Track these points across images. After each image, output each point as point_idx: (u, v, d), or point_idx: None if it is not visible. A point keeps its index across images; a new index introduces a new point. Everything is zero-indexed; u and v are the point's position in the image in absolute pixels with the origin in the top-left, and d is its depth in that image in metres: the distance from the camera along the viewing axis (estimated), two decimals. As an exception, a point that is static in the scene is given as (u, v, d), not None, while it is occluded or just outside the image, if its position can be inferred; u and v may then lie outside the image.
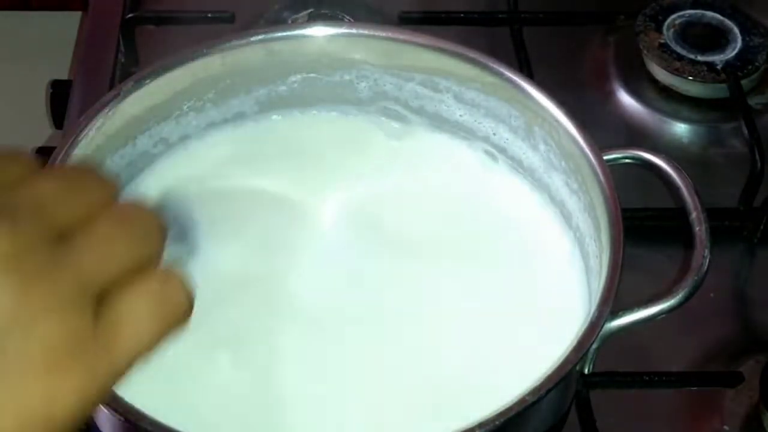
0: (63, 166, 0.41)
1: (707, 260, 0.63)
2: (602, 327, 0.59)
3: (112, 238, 0.38)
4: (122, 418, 0.55)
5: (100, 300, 0.36)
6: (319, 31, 0.74)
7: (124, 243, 0.38)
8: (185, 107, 0.73)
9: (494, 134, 0.74)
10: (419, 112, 0.76)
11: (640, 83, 0.89)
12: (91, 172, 0.41)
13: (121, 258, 0.37)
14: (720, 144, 0.86)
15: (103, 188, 0.39)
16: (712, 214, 0.66)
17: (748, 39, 0.88)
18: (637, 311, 0.62)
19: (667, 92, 0.88)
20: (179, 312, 0.39)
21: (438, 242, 0.71)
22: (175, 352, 0.57)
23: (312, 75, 0.75)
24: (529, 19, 0.92)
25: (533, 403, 0.56)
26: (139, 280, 0.38)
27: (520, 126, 0.72)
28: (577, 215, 0.69)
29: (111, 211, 0.38)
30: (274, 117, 0.76)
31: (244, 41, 0.73)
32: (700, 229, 0.64)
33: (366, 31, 0.74)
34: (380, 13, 0.90)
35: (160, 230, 0.40)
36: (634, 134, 0.86)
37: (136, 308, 0.37)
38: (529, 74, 0.83)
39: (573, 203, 0.70)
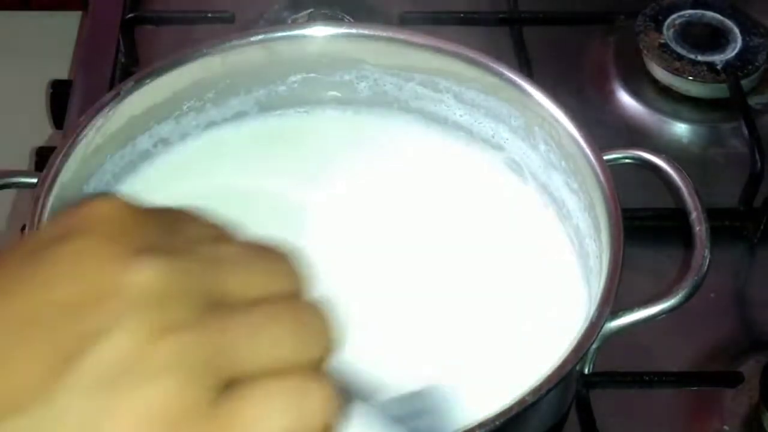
0: (259, 241, 0.37)
1: (707, 260, 0.63)
2: (602, 327, 0.59)
3: (272, 332, 0.33)
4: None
5: (232, 384, 0.32)
6: (319, 31, 0.74)
7: (283, 342, 0.33)
8: (185, 107, 0.73)
9: (494, 134, 0.74)
10: (419, 112, 0.76)
11: (640, 83, 0.89)
12: (285, 257, 0.36)
13: (273, 355, 0.33)
14: (720, 144, 0.86)
15: (290, 278, 0.35)
16: (712, 214, 0.66)
17: (748, 39, 0.88)
18: (637, 311, 0.62)
19: (667, 92, 0.88)
20: (314, 425, 0.33)
21: (436, 241, 0.71)
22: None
23: (312, 75, 0.75)
24: (529, 19, 0.92)
25: (533, 403, 0.56)
26: (282, 376, 0.33)
27: (520, 126, 0.72)
28: (577, 215, 0.69)
29: (286, 304, 0.34)
30: (274, 117, 0.76)
31: (244, 41, 0.73)
32: (700, 229, 0.64)
33: (366, 31, 0.74)
34: (380, 13, 0.90)
35: (331, 341, 0.35)
36: (634, 134, 0.86)
37: (263, 403, 0.32)
38: (529, 74, 0.83)
39: (573, 203, 0.70)
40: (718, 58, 0.87)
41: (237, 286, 0.33)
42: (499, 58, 0.72)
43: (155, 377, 0.30)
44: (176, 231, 0.34)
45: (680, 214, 0.66)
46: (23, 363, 0.30)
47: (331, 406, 0.33)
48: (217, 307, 0.32)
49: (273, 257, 0.36)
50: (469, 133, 0.75)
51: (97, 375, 0.30)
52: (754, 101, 0.86)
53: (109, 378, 0.30)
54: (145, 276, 0.31)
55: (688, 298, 0.62)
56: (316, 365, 0.34)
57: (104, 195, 0.34)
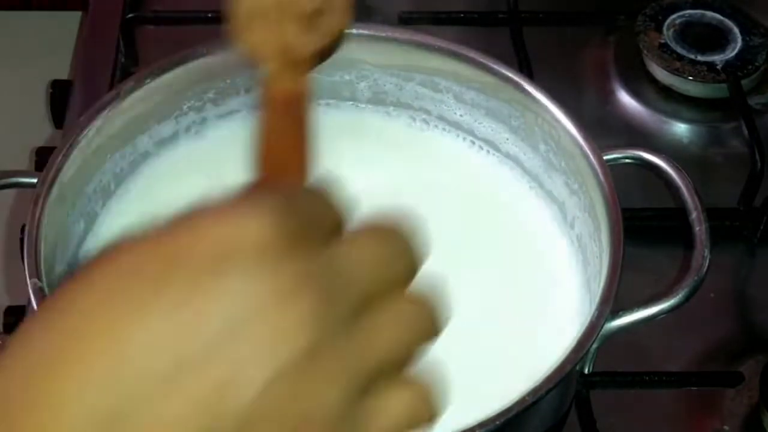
0: (377, 219, 0.37)
1: (707, 260, 0.63)
2: (602, 327, 0.59)
3: (405, 325, 0.34)
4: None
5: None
6: (319, 31, 0.74)
7: (413, 334, 0.34)
8: (185, 107, 0.73)
9: (494, 134, 0.74)
10: (419, 112, 0.76)
11: (640, 83, 0.89)
12: (405, 237, 0.37)
13: (404, 349, 0.34)
14: (720, 144, 0.86)
15: (408, 259, 0.36)
16: (712, 214, 0.66)
17: (748, 39, 0.88)
18: (637, 311, 0.62)
19: (667, 92, 0.88)
20: (425, 420, 0.34)
21: (435, 241, 0.70)
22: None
23: (312, 75, 0.75)
24: (529, 19, 0.92)
25: (533, 403, 0.56)
26: (405, 379, 0.34)
27: (520, 126, 0.72)
28: (577, 215, 0.69)
29: (408, 294, 0.35)
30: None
31: (244, 41, 0.73)
32: (700, 229, 0.64)
33: (366, 31, 0.74)
34: (380, 13, 0.90)
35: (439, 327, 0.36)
36: (634, 134, 0.86)
37: (394, 408, 0.33)
38: (529, 74, 0.83)
39: (573, 203, 0.70)
40: (718, 58, 0.87)
41: (374, 288, 0.33)
42: (499, 58, 0.72)
43: (314, 391, 0.31)
44: (311, 234, 0.33)
45: (680, 214, 0.66)
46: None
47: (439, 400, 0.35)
48: (358, 314, 0.32)
49: (392, 240, 0.36)
50: (469, 133, 0.75)
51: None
52: (754, 101, 0.86)
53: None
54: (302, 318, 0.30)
55: (688, 298, 0.62)
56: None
57: (247, 205, 0.32)
